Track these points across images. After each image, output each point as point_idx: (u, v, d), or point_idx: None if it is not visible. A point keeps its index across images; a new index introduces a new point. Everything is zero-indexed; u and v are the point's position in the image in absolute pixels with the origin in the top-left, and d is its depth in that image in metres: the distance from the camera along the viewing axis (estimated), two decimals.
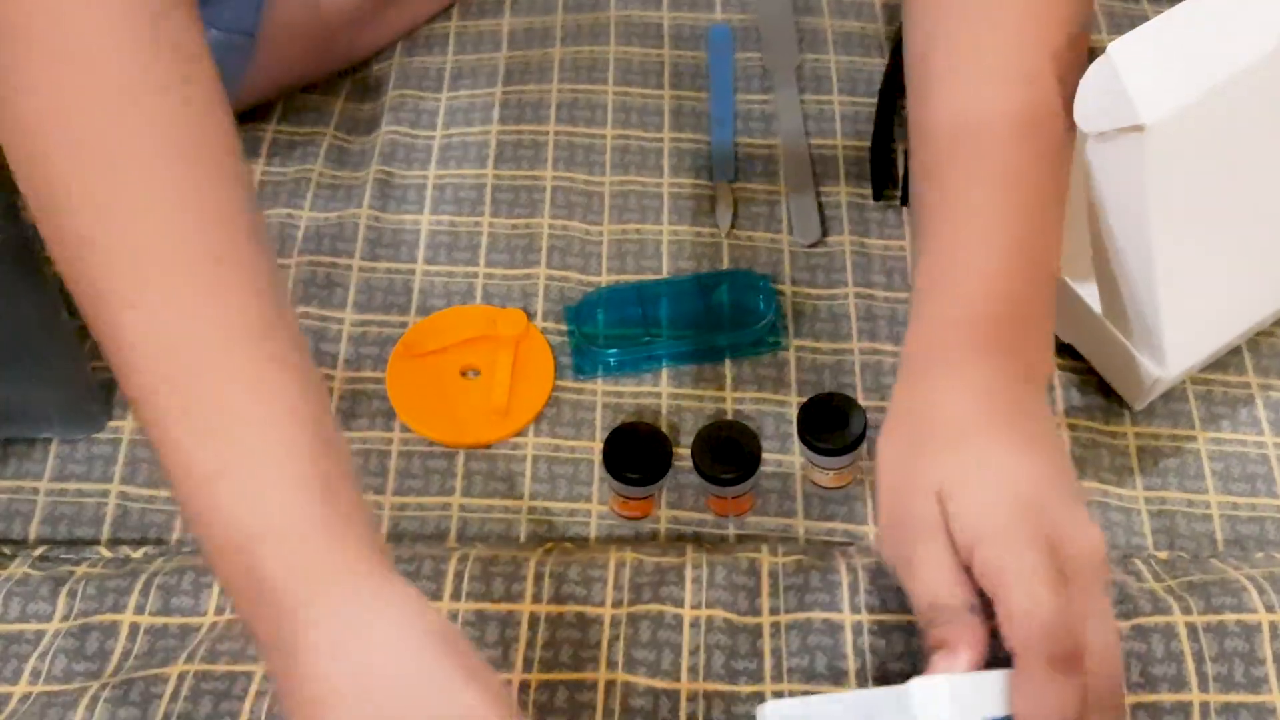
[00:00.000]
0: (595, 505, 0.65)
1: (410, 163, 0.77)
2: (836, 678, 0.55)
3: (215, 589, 0.58)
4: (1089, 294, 0.65)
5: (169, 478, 0.44)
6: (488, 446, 0.67)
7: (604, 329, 0.70)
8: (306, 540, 0.42)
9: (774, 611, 0.57)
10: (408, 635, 0.42)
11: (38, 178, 0.45)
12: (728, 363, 0.70)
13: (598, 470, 0.66)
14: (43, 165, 0.45)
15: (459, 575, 0.58)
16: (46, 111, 0.44)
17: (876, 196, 0.76)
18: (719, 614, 0.57)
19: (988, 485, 0.47)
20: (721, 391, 0.69)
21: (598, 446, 0.67)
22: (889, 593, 0.57)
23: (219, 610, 0.58)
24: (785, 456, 0.67)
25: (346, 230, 0.74)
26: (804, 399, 0.65)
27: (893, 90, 0.79)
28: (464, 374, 0.69)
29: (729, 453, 0.63)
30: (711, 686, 0.55)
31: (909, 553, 0.47)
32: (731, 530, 0.65)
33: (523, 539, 0.64)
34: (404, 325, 0.71)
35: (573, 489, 0.66)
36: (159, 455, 0.44)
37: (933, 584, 0.46)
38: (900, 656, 0.55)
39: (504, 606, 0.57)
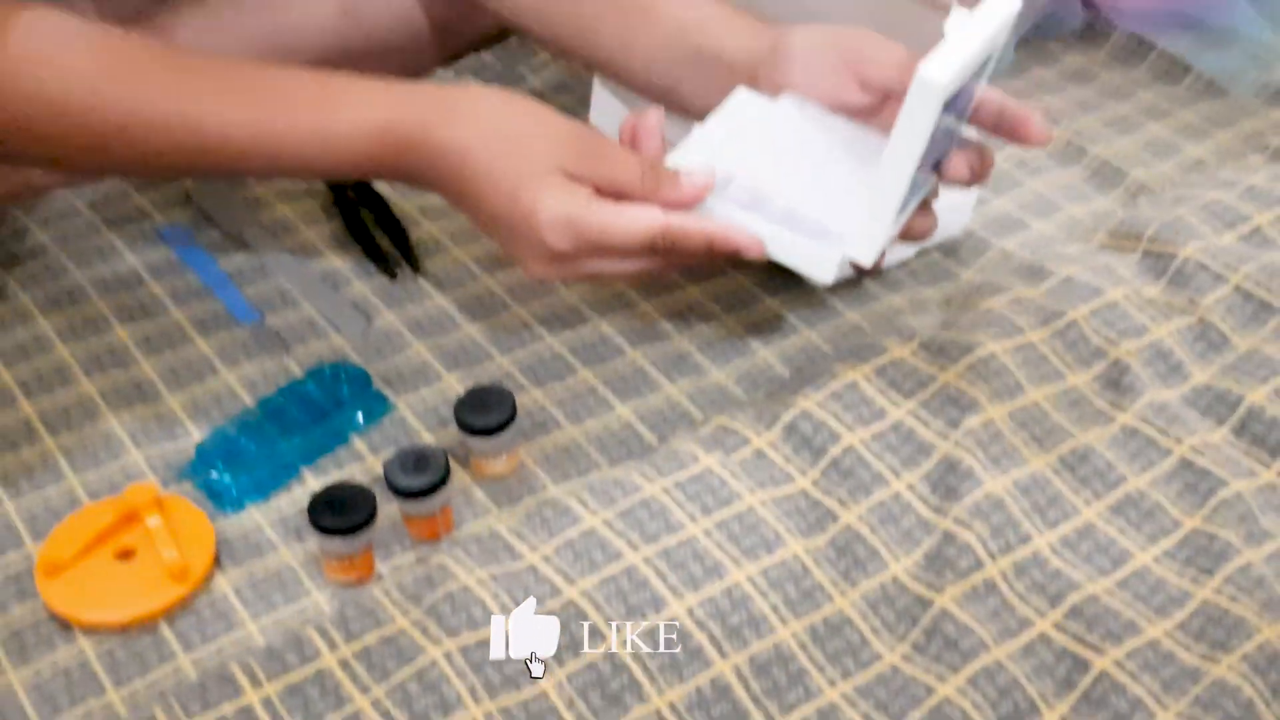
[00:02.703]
0: (317, 598, 0.65)
1: None
2: None
3: None
4: None
5: (268, 158, 0.66)
6: (185, 604, 0.65)
7: (225, 470, 0.70)
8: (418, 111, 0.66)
9: None
10: (513, 96, 0.66)
11: None
12: (354, 438, 0.73)
13: (305, 570, 0.66)
14: None
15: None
16: None
17: None
18: None
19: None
20: (369, 460, 0.72)
21: (287, 554, 0.67)
22: None
23: None
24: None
25: None
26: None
27: None
28: (120, 559, 0.66)
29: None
30: None
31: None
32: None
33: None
34: (29, 558, 0.66)
35: (289, 591, 0.65)
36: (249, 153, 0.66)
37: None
38: None
39: None
